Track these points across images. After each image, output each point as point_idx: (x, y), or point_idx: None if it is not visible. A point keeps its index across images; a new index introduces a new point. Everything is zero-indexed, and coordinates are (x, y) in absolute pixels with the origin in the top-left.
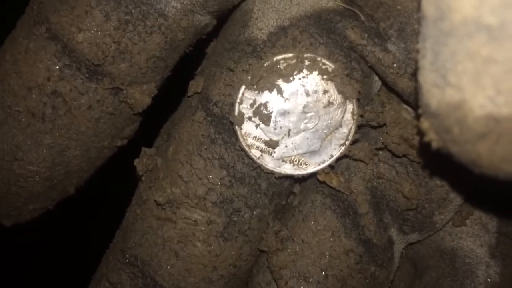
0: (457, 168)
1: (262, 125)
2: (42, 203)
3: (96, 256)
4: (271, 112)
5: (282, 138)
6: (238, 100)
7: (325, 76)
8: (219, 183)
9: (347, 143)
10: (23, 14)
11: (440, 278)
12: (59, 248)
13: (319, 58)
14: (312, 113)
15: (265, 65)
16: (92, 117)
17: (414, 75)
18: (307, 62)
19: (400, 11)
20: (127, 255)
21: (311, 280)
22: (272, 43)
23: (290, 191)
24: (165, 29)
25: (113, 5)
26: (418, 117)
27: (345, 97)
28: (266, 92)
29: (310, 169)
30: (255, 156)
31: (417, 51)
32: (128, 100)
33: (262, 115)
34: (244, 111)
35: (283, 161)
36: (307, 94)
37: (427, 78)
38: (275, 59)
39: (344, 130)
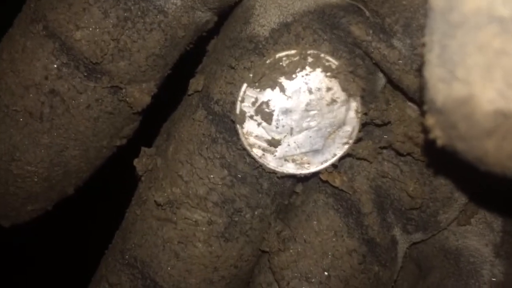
0: (462, 166)
1: (264, 124)
2: (40, 203)
3: (95, 257)
4: (273, 111)
5: (285, 137)
6: (239, 98)
7: (328, 73)
8: (220, 183)
9: (350, 141)
10: (20, 12)
11: (445, 278)
12: (58, 249)
13: (322, 55)
14: (315, 111)
15: (267, 62)
16: (90, 116)
17: (420, 71)
18: (310, 59)
19: (406, 6)
20: (127, 256)
21: (313, 280)
22: (274, 39)
23: (292, 191)
24: (165, 26)
25: (112, 2)
26: (423, 113)
27: (349, 95)
28: (268, 90)
29: (313, 168)
30: (256, 155)
31: (423, 45)
32: (127, 99)
33: (264, 114)
34: (245, 109)
35: (285, 160)
36: (310, 91)
37: (433, 72)
38: (277, 56)
39: (348, 128)
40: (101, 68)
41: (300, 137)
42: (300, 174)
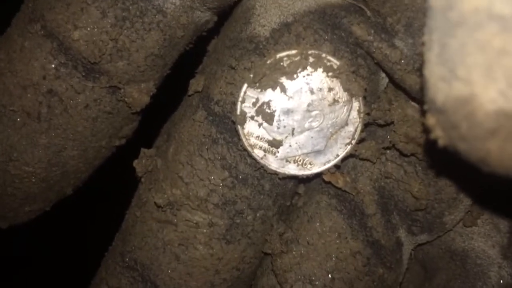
0: (465, 166)
1: (265, 124)
2: (38, 204)
3: (95, 260)
4: (275, 111)
5: (286, 137)
6: (240, 99)
7: (330, 73)
8: (221, 184)
9: (353, 142)
10: (18, 12)
11: (451, 280)
12: (57, 251)
13: (324, 55)
14: (317, 112)
15: (268, 62)
16: (89, 116)
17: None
18: (311, 59)
19: (408, 6)
20: (127, 259)
21: (317, 283)
22: (275, 40)
23: (294, 192)
24: (164, 26)
25: (110, 2)
26: (424, 113)
27: (351, 95)
28: (269, 90)
29: (315, 169)
30: (258, 156)
31: (423, 44)
32: (126, 99)
33: (265, 114)
34: (246, 110)
35: (287, 161)
36: (312, 92)
37: (433, 71)
38: (278, 56)
39: (350, 128)
40: (100, 68)
41: (301, 138)
42: (302, 175)
